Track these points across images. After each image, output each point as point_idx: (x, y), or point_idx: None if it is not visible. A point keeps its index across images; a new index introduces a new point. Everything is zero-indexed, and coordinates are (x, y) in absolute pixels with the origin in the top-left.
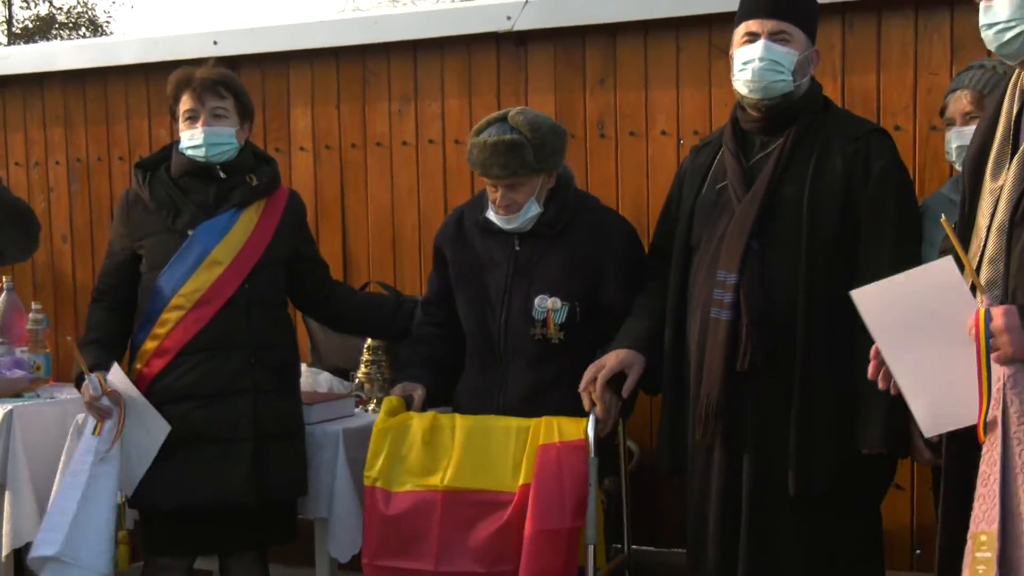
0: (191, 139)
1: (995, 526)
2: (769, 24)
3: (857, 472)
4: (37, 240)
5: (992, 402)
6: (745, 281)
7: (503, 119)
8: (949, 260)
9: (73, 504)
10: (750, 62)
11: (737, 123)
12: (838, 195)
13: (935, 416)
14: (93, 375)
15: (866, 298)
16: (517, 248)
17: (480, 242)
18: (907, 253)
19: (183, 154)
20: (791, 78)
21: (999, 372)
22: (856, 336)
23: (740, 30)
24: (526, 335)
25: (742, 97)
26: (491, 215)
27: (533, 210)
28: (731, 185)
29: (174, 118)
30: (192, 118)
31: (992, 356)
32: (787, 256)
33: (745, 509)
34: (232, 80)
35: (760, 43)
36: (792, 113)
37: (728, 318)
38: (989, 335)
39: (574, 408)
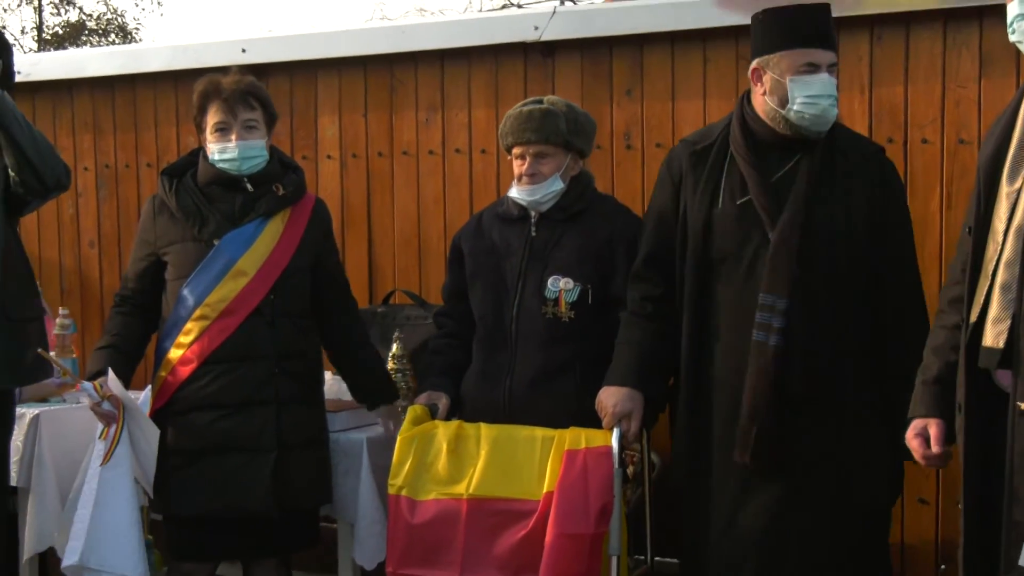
0: (224, 152)
1: None
2: (829, 56)
3: (894, 489)
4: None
5: None
6: (797, 307)
7: (539, 100)
8: None
9: (88, 511)
10: (820, 98)
11: (748, 134)
12: (864, 218)
13: None
14: (88, 382)
15: None
16: (533, 234)
17: (498, 232)
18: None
19: (213, 164)
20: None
21: None
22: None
23: (798, 57)
24: (537, 315)
25: (798, 126)
26: (513, 192)
27: (556, 185)
28: (757, 202)
29: (199, 128)
30: (223, 130)
31: None
32: (827, 279)
33: (790, 532)
34: (260, 90)
35: (826, 78)
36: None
37: (777, 343)
38: None
39: (580, 397)
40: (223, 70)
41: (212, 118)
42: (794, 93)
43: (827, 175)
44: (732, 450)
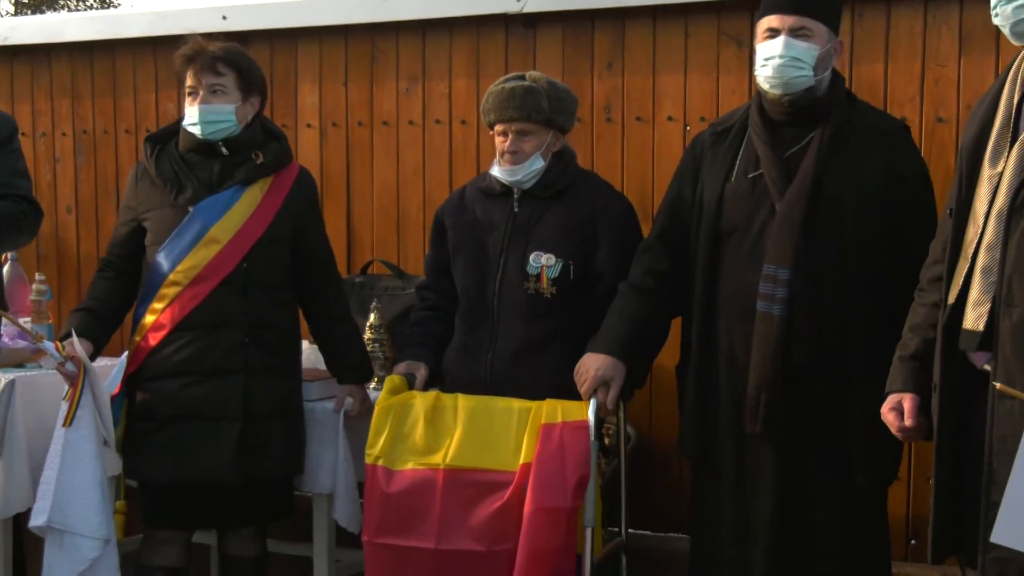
0: (189, 116)
1: None
2: (790, 20)
3: (892, 463)
4: (30, 235)
5: None
6: (801, 277)
7: (521, 76)
8: None
9: (54, 472)
10: (771, 59)
11: (764, 112)
12: (878, 194)
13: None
14: (49, 342)
15: (1007, 531)
16: (516, 210)
17: (480, 207)
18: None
19: (187, 130)
20: (812, 73)
21: None
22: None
23: (762, 24)
24: (519, 290)
25: (764, 92)
26: (494, 170)
27: (537, 163)
28: (768, 176)
29: (180, 92)
30: (192, 94)
31: None
32: (834, 251)
33: (798, 499)
34: (233, 55)
35: (780, 39)
36: (821, 106)
37: (781, 313)
38: None
39: (561, 373)
40: (204, 37)
41: (185, 83)
42: (756, 60)
43: (840, 149)
44: (740, 423)
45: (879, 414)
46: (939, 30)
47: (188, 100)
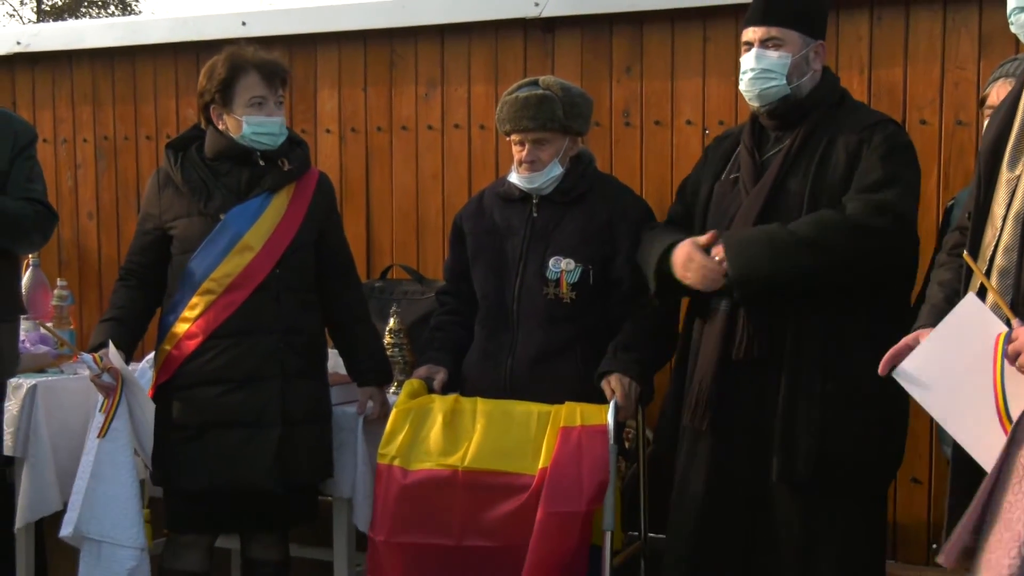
0: (262, 126)
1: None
2: (760, 32)
3: (851, 465)
4: (43, 236)
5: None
6: None
7: (534, 82)
8: (971, 297)
9: (84, 483)
10: (745, 72)
11: (755, 118)
12: (839, 187)
13: None
14: (87, 355)
15: (908, 373)
16: (535, 215)
17: (499, 212)
18: (883, 199)
19: (238, 138)
20: (784, 82)
21: None
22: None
23: (742, 38)
24: (539, 295)
25: (748, 103)
26: (513, 177)
27: (556, 171)
28: (742, 177)
29: (222, 101)
30: (260, 104)
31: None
32: None
33: (732, 496)
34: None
35: (752, 52)
36: (802, 110)
37: (726, 308)
38: (1005, 355)
39: (581, 378)
40: (224, 43)
41: (248, 91)
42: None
43: (811, 149)
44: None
45: (816, 410)
46: (958, 33)
47: (252, 108)
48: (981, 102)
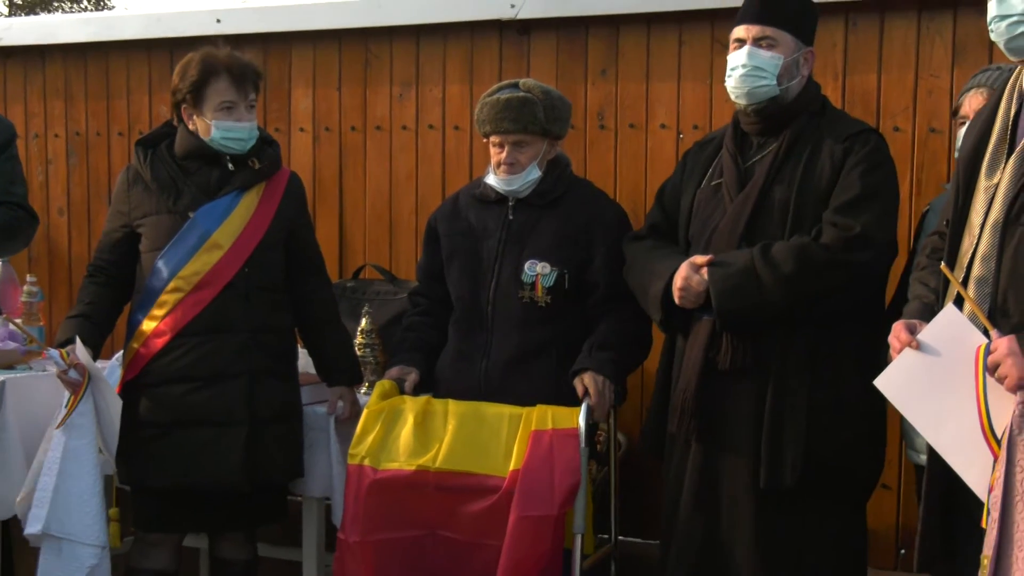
0: (231, 131)
1: (991, 551)
2: (754, 30)
3: (834, 474)
4: (24, 241)
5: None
6: None
7: (514, 84)
8: (951, 308)
9: (52, 479)
10: (735, 68)
11: (738, 124)
12: (823, 196)
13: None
14: (54, 350)
15: (889, 382)
16: (511, 217)
17: (475, 214)
18: (863, 232)
19: (209, 141)
20: (775, 82)
21: (1008, 401)
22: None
23: (732, 36)
24: (514, 298)
25: (733, 102)
26: (490, 179)
27: (534, 174)
28: (725, 184)
29: (192, 101)
30: (230, 108)
31: (1004, 386)
32: None
33: (717, 504)
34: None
35: (744, 49)
36: (787, 116)
37: (711, 317)
38: (986, 368)
39: (556, 381)
40: (198, 40)
41: (218, 95)
42: (727, 71)
43: (799, 156)
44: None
45: (801, 418)
46: (932, 40)
47: (223, 113)
48: (954, 112)
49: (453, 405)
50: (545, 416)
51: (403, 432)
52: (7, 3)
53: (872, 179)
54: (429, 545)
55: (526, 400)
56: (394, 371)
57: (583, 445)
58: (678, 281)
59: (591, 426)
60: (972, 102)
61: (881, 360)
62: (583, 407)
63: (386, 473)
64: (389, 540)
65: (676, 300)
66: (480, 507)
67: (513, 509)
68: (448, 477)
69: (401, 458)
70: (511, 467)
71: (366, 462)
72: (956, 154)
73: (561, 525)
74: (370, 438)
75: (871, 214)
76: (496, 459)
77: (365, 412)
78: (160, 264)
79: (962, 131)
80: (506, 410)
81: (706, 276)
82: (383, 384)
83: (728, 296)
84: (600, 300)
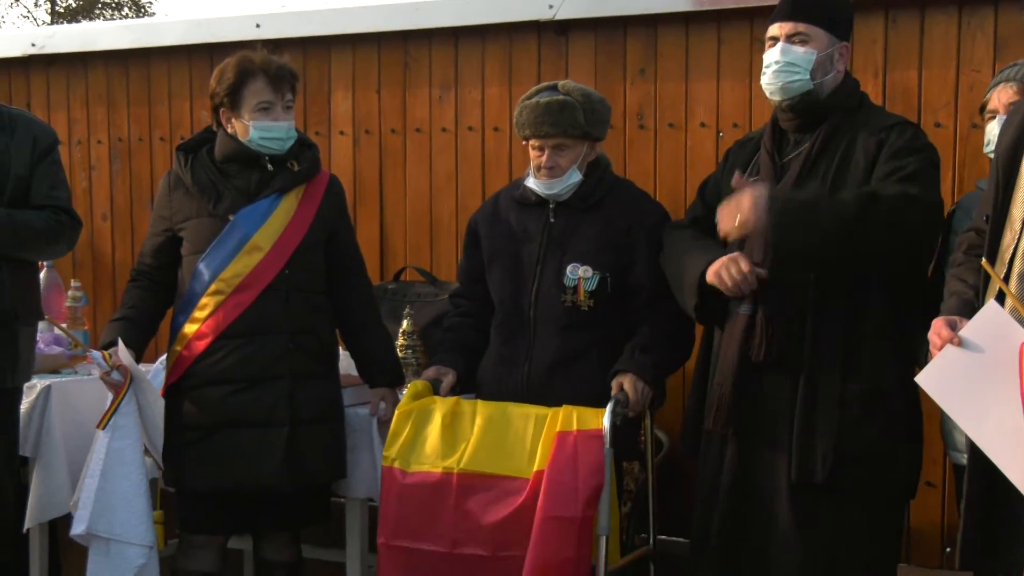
0: (269, 131)
1: None
2: (787, 27)
3: (869, 467)
4: (68, 245)
5: None
6: (769, 275)
7: (553, 87)
8: (992, 304)
9: (95, 480)
10: (769, 65)
11: (777, 122)
12: (857, 187)
13: None
14: (97, 352)
15: (930, 378)
16: (552, 220)
17: (515, 216)
18: (911, 191)
19: (246, 142)
20: (808, 77)
21: None
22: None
23: (767, 34)
24: (556, 302)
25: (769, 98)
26: (531, 183)
27: (575, 177)
28: (762, 180)
29: (230, 104)
30: (267, 109)
31: None
32: None
33: (754, 499)
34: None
35: (778, 47)
36: (823, 111)
37: (747, 312)
38: None
39: (598, 383)
40: (238, 45)
41: (255, 96)
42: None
43: (830, 153)
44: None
45: (833, 412)
46: (973, 36)
47: (260, 113)
48: (982, 107)
49: (481, 406)
50: (570, 417)
51: (432, 434)
52: (49, 11)
53: (915, 160)
54: (450, 567)
55: (568, 403)
56: (431, 371)
57: (607, 446)
58: (717, 266)
59: (634, 427)
60: (1001, 96)
61: (918, 354)
62: (608, 407)
63: (414, 478)
64: (411, 550)
65: (710, 279)
66: (503, 514)
67: (539, 510)
68: (472, 479)
69: (429, 460)
70: (535, 468)
71: (396, 464)
72: (985, 148)
73: (588, 528)
74: (400, 439)
75: (917, 184)
76: (520, 460)
77: (396, 413)
78: (201, 267)
79: (990, 126)
80: (532, 411)
81: (762, 205)
82: (415, 384)
83: (783, 229)
84: (644, 302)
